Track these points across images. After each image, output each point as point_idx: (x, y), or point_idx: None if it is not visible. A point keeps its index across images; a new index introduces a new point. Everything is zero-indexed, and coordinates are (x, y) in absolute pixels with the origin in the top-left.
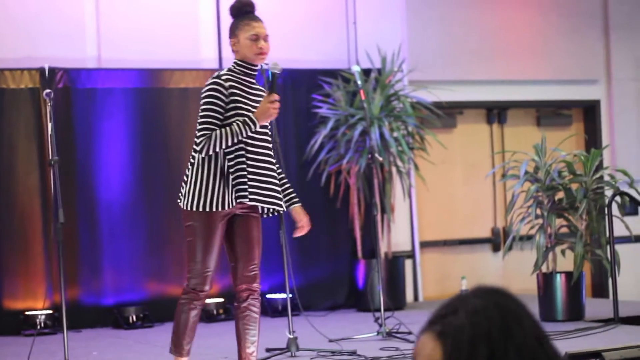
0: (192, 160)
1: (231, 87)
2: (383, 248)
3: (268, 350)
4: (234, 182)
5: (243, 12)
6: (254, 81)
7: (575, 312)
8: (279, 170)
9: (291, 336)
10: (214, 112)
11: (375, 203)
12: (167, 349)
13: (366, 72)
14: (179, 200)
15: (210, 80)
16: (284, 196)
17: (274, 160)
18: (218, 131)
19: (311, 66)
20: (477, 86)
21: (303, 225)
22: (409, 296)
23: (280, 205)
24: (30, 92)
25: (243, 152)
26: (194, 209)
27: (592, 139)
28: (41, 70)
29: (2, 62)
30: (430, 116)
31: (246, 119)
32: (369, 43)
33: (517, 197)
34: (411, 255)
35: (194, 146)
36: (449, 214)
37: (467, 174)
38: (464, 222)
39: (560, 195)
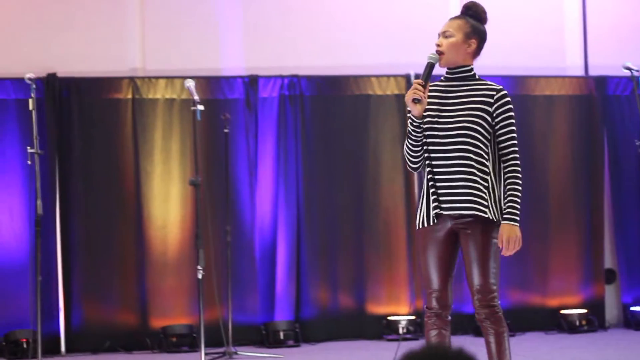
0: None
1: (429, 97)
2: None
3: None
4: (424, 201)
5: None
6: (450, 83)
7: None
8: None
9: None
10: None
11: None
12: None
13: None
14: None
15: None
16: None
17: (468, 164)
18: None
19: None
20: None
21: (500, 243)
22: None
23: (471, 210)
24: (395, 99)
25: (428, 168)
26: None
27: None
28: (407, 77)
29: (367, 68)
30: None
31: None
32: None
33: None
34: None
35: None
36: None
37: None
38: None
39: None
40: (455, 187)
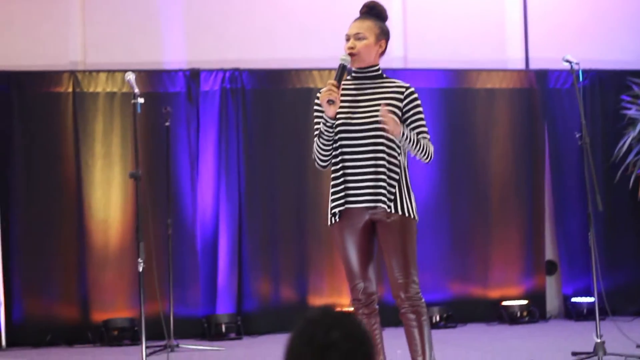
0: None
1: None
2: None
3: (574, 354)
4: (331, 198)
5: (359, 14)
6: (360, 82)
7: None
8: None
9: (599, 340)
10: (317, 125)
11: None
12: (470, 350)
13: None
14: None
15: None
16: None
17: (383, 158)
18: (315, 140)
19: (620, 67)
20: None
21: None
22: None
23: (378, 202)
24: None
25: (339, 164)
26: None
27: None
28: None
29: (309, 61)
30: None
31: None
32: None
33: None
34: None
35: None
36: None
37: None
38: None
39: None
40: (368, 181)
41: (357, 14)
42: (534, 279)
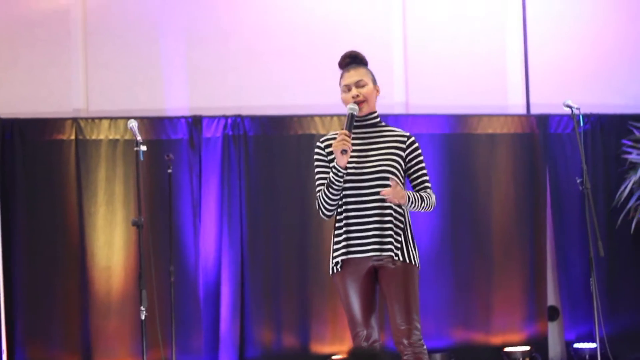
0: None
1: (328, 146)
2: None
3: None
4: (334, 248)
5: (344, 65)
6: (362, 131)
7: None
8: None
9: None
10: (320, 174)
11: None
12: None
13: None
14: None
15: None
16: None
17: (389, 206)
18: (322, 190)
19: (621, 111)
20: None
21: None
22: None
23: (386, 251)
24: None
25: (343, 213)
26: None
27: None
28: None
29: (311, 108)
30: None
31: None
32: None
33: None
34: None
35: None
36: None
37: None
38: None
39: None
40: (373, 230)
41: None
42: (536, 325)
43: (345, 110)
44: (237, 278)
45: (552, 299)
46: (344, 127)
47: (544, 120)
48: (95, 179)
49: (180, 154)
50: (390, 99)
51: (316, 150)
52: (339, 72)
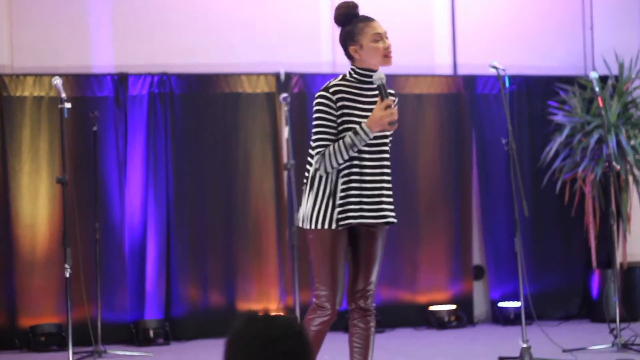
0: (304, 180)
1: (341, 99)
2: (618, 258)
3: (501, 358)
4: (340, 202)
5: (353, 16)
6: (371, 88)
7: None
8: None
9: (525, 345)
10: (325, 128)
11: (612, 212)
12: (397, 355)
13: (603, 79)
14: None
15: (317, 94)
16: None
17: (388, 171)
18: (332, 147)
19: (547, 72)
20: None
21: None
22: None
23: (390, 218)
24: (266, 97)
25: (354, 170)
26: (313, 227)
27: None
28: (277, 75)
29: (238, 66)
30: None
31: (357, 128)
32: (605, 49)
33: None
34: None
35: (308, 166)
36: None
37: None
38: None
39: None
40: (383, 196)
41: (289, 20)
42: (461, 284)
43: (369, 60)
44: (162, 236)
45: (477, 259)
46: (383, 99)
47: (470, 81)
48: (19, 136)
49: (105, 111)
50: (318, 58)
51: (322, 100)
52: (264, 30)
